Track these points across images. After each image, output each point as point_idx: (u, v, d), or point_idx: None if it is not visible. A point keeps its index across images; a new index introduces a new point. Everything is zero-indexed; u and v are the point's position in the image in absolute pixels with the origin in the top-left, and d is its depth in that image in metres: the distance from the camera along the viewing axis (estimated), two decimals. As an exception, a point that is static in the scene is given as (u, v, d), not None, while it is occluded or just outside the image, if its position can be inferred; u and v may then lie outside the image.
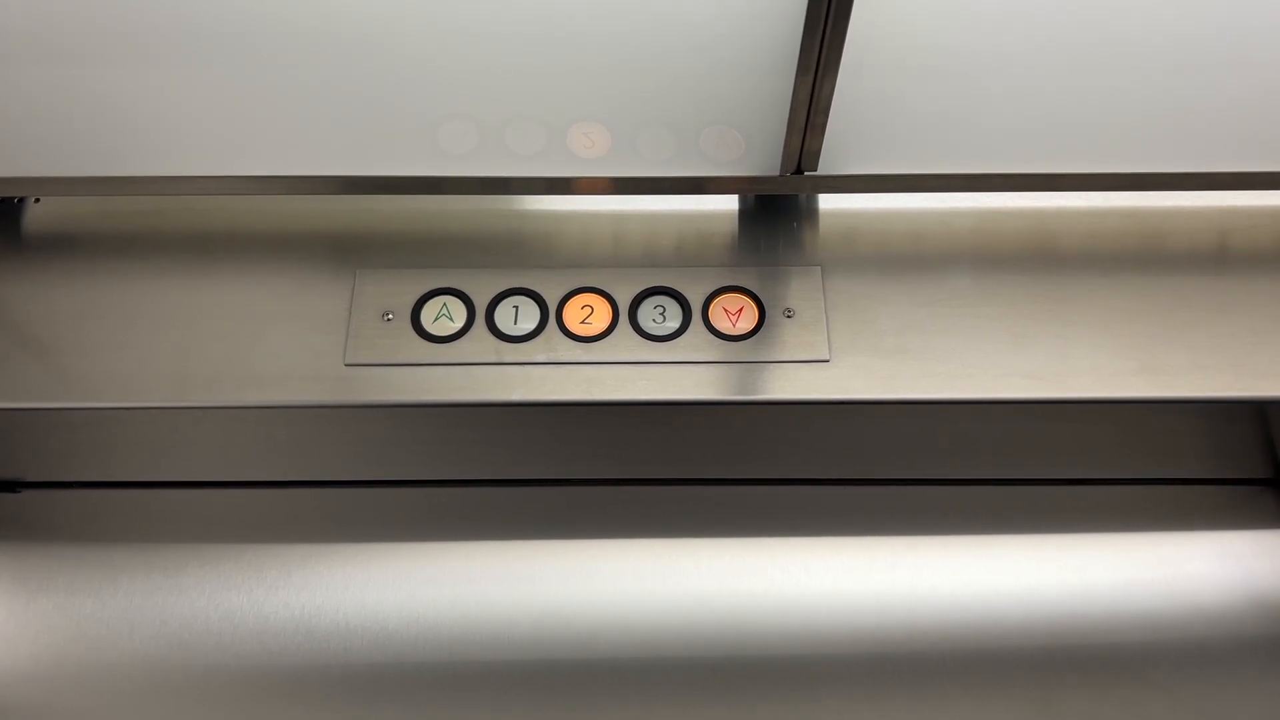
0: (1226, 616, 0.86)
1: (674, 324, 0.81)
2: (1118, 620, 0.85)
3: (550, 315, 0.82)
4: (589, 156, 0.79)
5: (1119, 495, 0.91)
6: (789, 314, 0.81)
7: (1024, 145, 0.78)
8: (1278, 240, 0.85)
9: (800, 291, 0.82)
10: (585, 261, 0.84)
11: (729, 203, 0.87)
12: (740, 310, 0.82)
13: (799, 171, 0.80)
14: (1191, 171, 0.80)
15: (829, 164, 0.79)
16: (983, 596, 0.86)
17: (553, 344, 0.81)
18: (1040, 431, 0.86)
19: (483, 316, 0.82)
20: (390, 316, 0.81)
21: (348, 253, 0.84)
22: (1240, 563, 0.88)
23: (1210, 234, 0.85)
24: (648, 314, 0.82)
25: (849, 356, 0.80)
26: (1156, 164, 0.79)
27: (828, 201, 0.87)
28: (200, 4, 0.68)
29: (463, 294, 0.82)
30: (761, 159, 0.79)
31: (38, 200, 0.89)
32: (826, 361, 0.80)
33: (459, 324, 0.81)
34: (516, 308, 0.82)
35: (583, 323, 0.81)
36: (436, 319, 0.81)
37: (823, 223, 0.86)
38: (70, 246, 0.86)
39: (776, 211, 0.86)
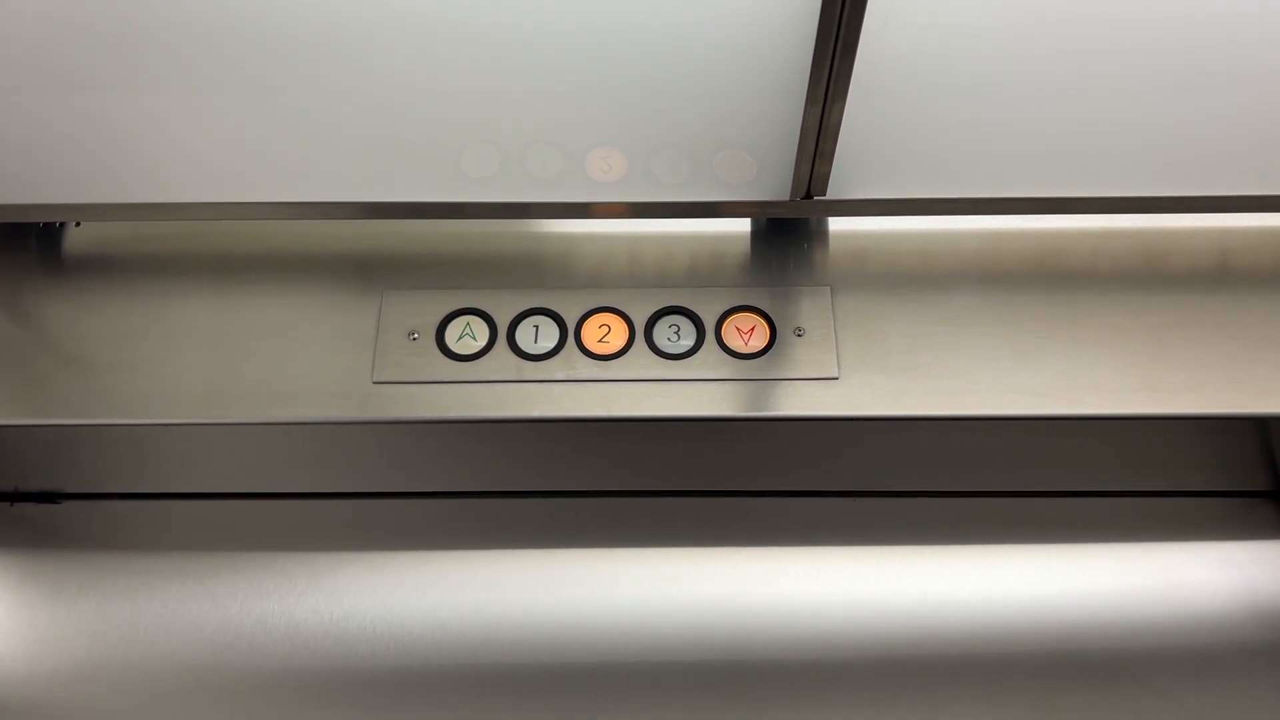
0: (1228, 624, 0.87)
1: (688, 342, 0.84)
2: (1122, 628, 0.86)
3: (569, 334, 0.84)
4: (606, 181, 0.81)
5: (1123, 507, 0.92)
6: (799, 333, 0.83)
7: (1029, 169, 0.79)
8: (1277, 260, 0.86)
9: (810, 311, 0.84)
10: (602, 282, 0.86)
11: (741, 225, 0.89)
12: (752, 329, 0.84)
13: (809, 196, 0.81)
14: (1194, 195, 0.81)
15: (838, 188, 0.81)
16: (989, 605, 0.87)
17: (572, 362, 0.83)
18: (1045, 446, 0.88)
19: (504, 336, 0.84)
20: (416, 336, 0.84)
21: (374, 274, 0.87)
22: (1241, 572, 0.89)
23: (1212, 254, 0.87)
24: (663, 333, 0.84)
25: (858, 374, 0.82)
26: (1159, 188, 0.80)
27: (837, 223, 0.89)
28: (231, 38, 0.70)
29: (485, 314, 0.85)
30: (773, 183, 0.81)
31: (78, 224, 0.91)
32: (836, 379, 0.81)
33: (482, 343, 0.84)
34: (537, 327, 0.84)
35: (600, 341, 0.84)
36: (460, 338, 0.84)
37: (832, 244, 0.88)
38: (108, 268, 0.88)
39: (787, 233, 0.88)
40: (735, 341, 0.83)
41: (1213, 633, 0.87)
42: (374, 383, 0.82)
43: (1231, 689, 0.84)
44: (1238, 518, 0.92)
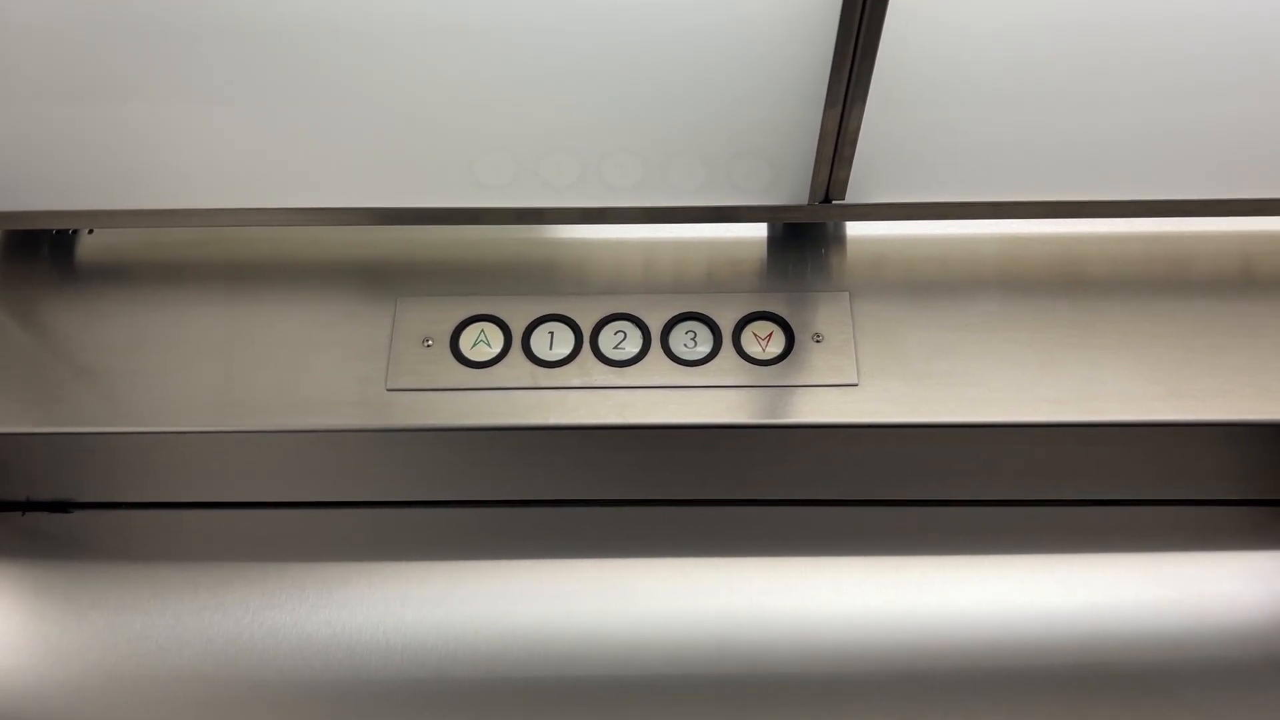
0: (1256, 636, 0.86)
1: (705, 349, 0.83)
2: (1147, 640, 0.85)
3: (584, 341, 0.83)
4: (621, 186, 0.81)
5: (1147, 516, 0.91)
6: (818, 339, 0.83)
7: (1048, 173, 0.79)
8: (1302, 265, 0.85)
9: (829, 317, 0.84)
10: (618, 288, 0.86)
11: (758, 230, 0.88)
12: (770, 335, 0.83)
13: (827, 200, 0.81)
14: (1216, 198, 0.80)
15: (856, 192, 0.80)
16: (1012, 617, 0.86)
17: (587, 369, 0.82)
18: (1068, 454, 0.86)
19: (519, 342, 0.83)
20: (430, 343, 0.83)
21: (388, 281, 0.86)
22: (1268, 583, 0.88)
23: (1235, 259, 0.86)
24: (679, 339, 0.83)
25: (877, 380, 0.81)
26: (1181, 191, 0.80)
27: (855, 228, 0.88)
28: (244, 44, 0.70)
29: (500, 320, 0.84)
30: (790, 188, 0.81)
31: (91, 231, 0.91)
32: (855, 385, 0.81)
33: (496, 350, 0.83)
34: (552, 334, 0.84)
35: (616, 348, 0.83)
36: (475, 345, 0.83)
37: (850, 249, 0.87)
38: (121, 276, 0.89)
39: (805, 238, 0.88)
40: (753, 347, 0.83)
41: (1240, 645, 0.85)
42: (388, 390, 0.82)
43: (1260, 702, 0.83)
44: (1265, 527, 0.91)
